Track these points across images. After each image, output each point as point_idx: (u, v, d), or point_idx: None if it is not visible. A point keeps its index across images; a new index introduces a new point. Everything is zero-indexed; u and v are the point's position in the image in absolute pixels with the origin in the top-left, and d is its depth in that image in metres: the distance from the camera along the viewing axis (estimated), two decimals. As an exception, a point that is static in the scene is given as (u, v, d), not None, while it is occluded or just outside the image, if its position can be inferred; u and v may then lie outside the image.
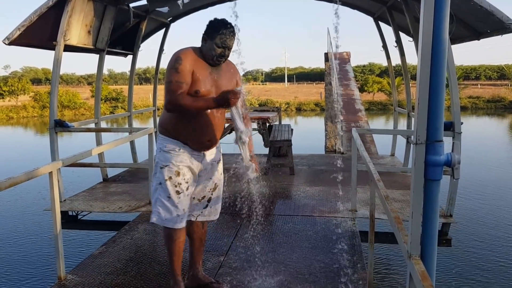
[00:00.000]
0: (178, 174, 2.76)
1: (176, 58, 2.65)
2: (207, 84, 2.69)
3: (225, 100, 2.57)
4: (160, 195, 2.79)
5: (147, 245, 4.02)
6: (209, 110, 2.72)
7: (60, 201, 5.03)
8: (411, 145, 1.64)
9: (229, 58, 2.84)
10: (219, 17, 2.74)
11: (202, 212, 3.00)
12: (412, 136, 1.67)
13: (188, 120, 2.72)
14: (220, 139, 2.96)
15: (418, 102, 1.60)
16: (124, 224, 4.63)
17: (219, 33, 2.65)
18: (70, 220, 5.25)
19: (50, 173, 3.21)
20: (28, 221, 7.83)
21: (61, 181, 5.08)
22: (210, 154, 2.91)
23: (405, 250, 1.78)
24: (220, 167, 3.04)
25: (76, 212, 5.24)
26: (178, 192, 2.77)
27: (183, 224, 2.85)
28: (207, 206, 3.00)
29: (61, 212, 4.97)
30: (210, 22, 2.72)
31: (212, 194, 3.00)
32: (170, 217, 2.79)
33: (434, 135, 1.62)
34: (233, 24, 2.73)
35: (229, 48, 2.72)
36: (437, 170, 1.64)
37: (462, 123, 4.46)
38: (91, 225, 5.51)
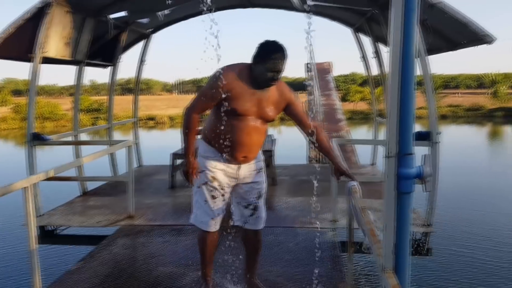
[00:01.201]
0: (213, 179, 2.87)
1: (217, 74, 2.70)
2: (247, 103, 2.71)
3: (185, 169, 2.81)
4: (199, 198, 2.94)
5: (126, 260, 3.96)
6: (248, 127, 2.76)
7: (38, 216, 4.95)
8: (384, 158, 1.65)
9: (281, 82, 2.85)
10: (271, 40, 2.73)
11: (249, 220, 3.05)
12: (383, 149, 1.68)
13: (225, 135, 2.76)
14: (256, 155, 2.96)
15: (389, 116, 1.62)
16: (102, 239, 4.56)
17: (271, 58, 2.65)
18: (47, 235, 5.13)
19: (25, 189, 3.15)
20: (5, 236, 7.65)
21: (38, 196, 5.00)
22: (247, 165, 2.93)
23: (379, 263, 1.79)
24: (263, 176, 3.07)
25: (54, 226, 5.15)
26: (213, 197, 2.89)
27: (216, 228, 2.98)
28: (253, 214, 3.03)
29: (39, 227, 4.90)
30: (262, 45, 2.71)
31: (257, 202, 3.02)
32: (206, 220, 2.94)
33: (404, 148, 1.63)
34: (282, 47, 2.70)
35: (281, 72, 2.71)
36: (408, 182, 1.66)
37: (439, 133, 4.52)
38: (69, 239, 5.40)
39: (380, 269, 1.74)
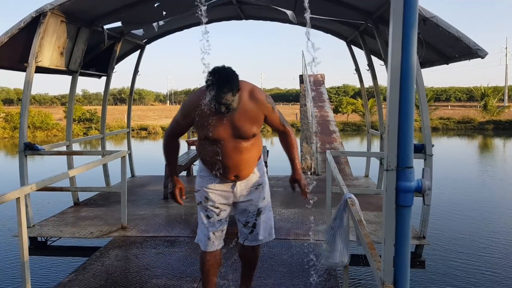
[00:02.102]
0: (206, 199, 2.81)
1: (185, 100, 2.79)
2: (217, 128, 2.57)
3: (170, 190, 2.88)
4: (198, 217, 2.90)
5: (119, 272, 3.90)
6: (227, 149, 2.64)
7: (29, 227, 4.89)
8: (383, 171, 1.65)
9: (254, 90, 2.66)
10: (218, 68, 2.48)
11: (248, 237, 2.96)
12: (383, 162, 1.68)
13: (211, 154, 2.69)
14: (250, 171, 2.83)
15: (388, 129, 1.62)
16: (95, 250, 4.51)
17: (209, 88, 2.46)
18: (39, 246, 5.06)
19: (18, 199, 3.11)
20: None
21: (30, 206, 4.93)
22: (244, 182, 2.83)
23: (378, 277, 1.78)
24: (263, 191, 2.92)
25: (45, 237, 5.08)
26: (208, 217, 2.82)
27: (213, 248, 2.86)
28: (252, 231, 2.92)
29: (30, 238, 4.83)
30: (209, 73, 2.48)
31: (256, 220, 2.90)
32: (203, 239, 2.86)
33: (404, 161, 1.63)
34: (227, 74, 2.47)
35: (223, 103, 2.47)
36: (408, 196, 1.65)
37: (433, 146, 4.54)
38: (61, 251, 5.32)
39: (380, 283, 1.73)
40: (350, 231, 3.12)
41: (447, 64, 5.61)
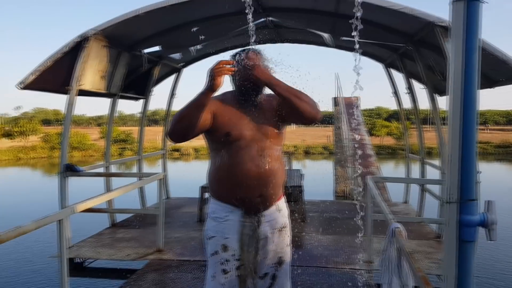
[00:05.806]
0: (225, 248, 2.23)
1: None
2: (241, 126, 2.20)
3: (210, 77, 2.08)
4: (208, 271, 2.31)
5: (156, 296, 3.87)
6: (256, 146, 2.20)
7: (67, 248, 4.92)
8: (444, 204, 1.55)
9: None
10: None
11: None
12: (444, 195, 1.58)
13: (229, 168, 2.20)
14: (278, 198, 2.36)
15: (450, 159, 1.54)
16: (132, 273, 4.50)
17: (237, 72, 2.17)
18: (75, 268, 5.10)
19: (60, 221, 3.13)
20: (29, 269, 7.60)
21: (69, 227, 4.98)
22: (267, 219, 2.29)
23: (437, 316, 1.67)
24: (286, 236, 2.39)
25: (82, 259, 5.11)
26: (225, 271, 2.23)
27: None
28: (271, 285, 2.33)
29: (68, 259, 4.86)
30: (235, 53, 2.28)
31: (276, 271, 2.33)
32: None
33: (467, 193, 1.54)
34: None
35: (255, 85, 2.19)
36: (471, 230, 1.56)
37: (480, 172, 4.35)
38: (97, 272, 5.36)
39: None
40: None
41: (492, 88, 5.43)
